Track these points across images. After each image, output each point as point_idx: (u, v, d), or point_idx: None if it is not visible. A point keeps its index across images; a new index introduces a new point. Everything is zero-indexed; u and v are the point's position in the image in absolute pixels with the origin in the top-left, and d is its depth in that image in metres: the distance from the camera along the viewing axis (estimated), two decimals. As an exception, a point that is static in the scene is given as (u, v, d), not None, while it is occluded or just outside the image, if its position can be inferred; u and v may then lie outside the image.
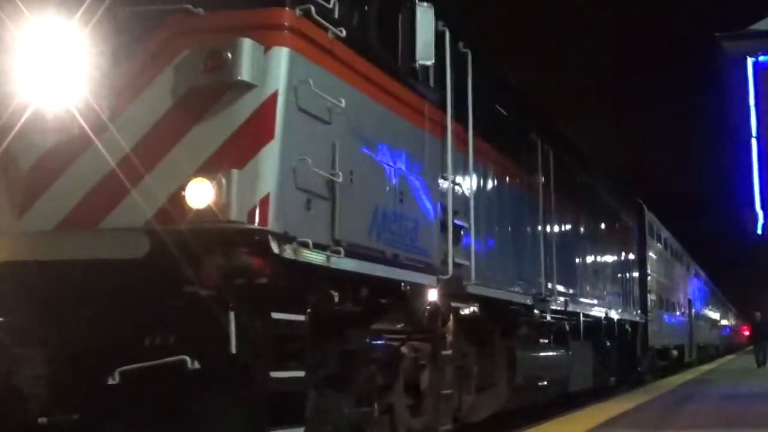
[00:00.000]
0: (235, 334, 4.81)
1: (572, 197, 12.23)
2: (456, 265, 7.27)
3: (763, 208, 13.22)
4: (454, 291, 7.33)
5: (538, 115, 10.97)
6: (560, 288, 11.00)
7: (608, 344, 15.12)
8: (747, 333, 40.99)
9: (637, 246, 19.48)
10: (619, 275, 16.60)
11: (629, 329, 17.10)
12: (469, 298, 7.98)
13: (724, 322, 58.63)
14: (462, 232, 7.60)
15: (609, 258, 15.41)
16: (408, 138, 6.67)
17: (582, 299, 12.72)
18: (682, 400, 12.59)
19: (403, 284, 6.53)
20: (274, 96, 5.05)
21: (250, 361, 4.89)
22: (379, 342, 6.44)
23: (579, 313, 12.52)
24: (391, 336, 7.06)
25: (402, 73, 6.64)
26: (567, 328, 11.73)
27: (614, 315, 15.40)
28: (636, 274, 18.81)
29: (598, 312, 14.05)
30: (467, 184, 7.79)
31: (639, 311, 18.61)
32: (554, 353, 11.10)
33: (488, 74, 8.72)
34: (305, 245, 5.01)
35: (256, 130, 4.99)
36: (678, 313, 27.90)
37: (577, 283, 12.46)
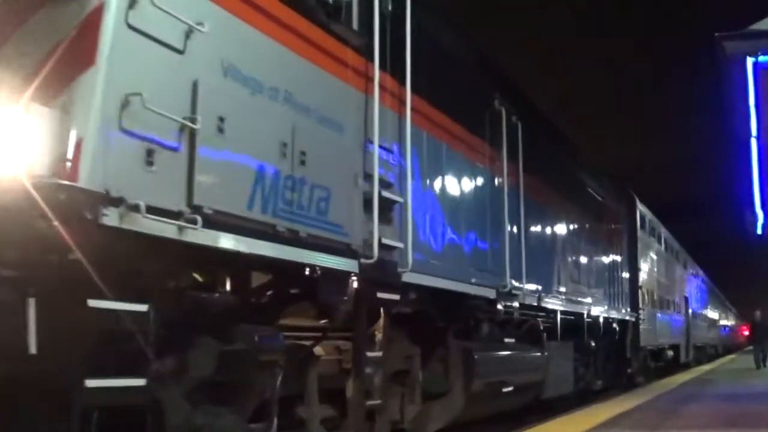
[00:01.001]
0: (36, 328, 3.54)
1: (547, 180, 10.90)
2: (385, 247, 5.97)
3: (763, 208, 12.90)
4: (384, 279, 6.02)
5: (505, 81, 9.62)
6: (532, 281, 9.70)
7: (593, 345, 13.83)
8: (747, 333, 39.75)
9: (627, 239, 18.08)
10: (606, 270, 15.24)
11: (617, 328, 15.77)
12: (409, 289, 6.69)
13: (723, 321, 57.06)
14: (394, 209, 6.31)
15: (593, 251, 14.05)
16: (317, 87, 5.36)
17: (560, 295, 11.40)
18: (682, 400, 12.40)
19: (308, 269, 5.25)
20: (99, 9, 3.77)
21: (58, 365, 3.61)
22: (276, 341, 5.12)
23: (556, 311, 11.21)
24: (300, 334, 5.78)
25: (308, 6, 5.34)
26: (541, 326, 10.41)
27: (599, 313, 14.07)
28: (626, 270, 17.44)
29: (580, 309, 12.73)
30: (404, 152, 6.47)
31: (629, 309, 17.27)
32: (525, 355, 9.80)
33: (434, 24, 7.42)
34: (136, 209, 3.72)
35: (73, 54, 3.71)
36: (673, 312, 26.59)
37: (553, 276, 11.13)
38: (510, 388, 8.79)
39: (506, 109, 9.06)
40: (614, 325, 15.53)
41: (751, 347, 29.36)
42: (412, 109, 6.61)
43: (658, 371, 22.91)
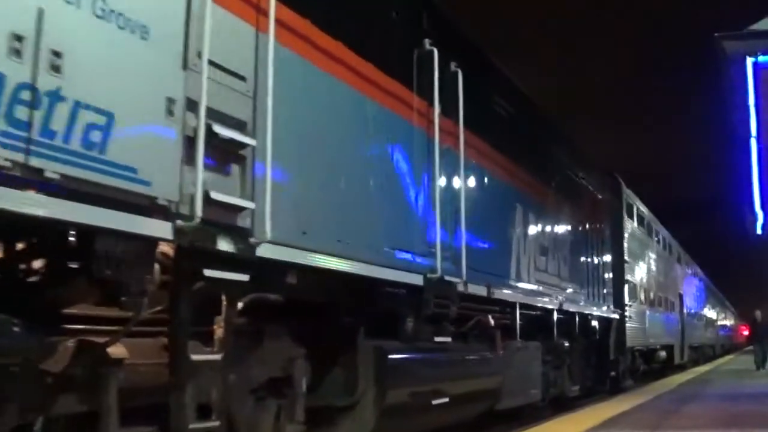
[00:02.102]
0: None
1: (501, 144, 9.07)
2: (219, 206, 4.23)
3: (763, 208, 12.96)
4: (216, 250, 4.25)
5: (447, 24, 7.81)
6: (477, 267, 7.94)
7: (567, 345, 12.06)
8: (746, 333, 38.12)
9: (612, 229, 16.12)
10: (584, 261, 13.47)
11: (597, 327, 13.97)
12: (280, 270, 4.97)
13: (721, 320, 54.69)
14: (244, 156, 4.56)
15: (568, 238, 12.29)
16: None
17: (520, 285, 9.64)
18: (682, 400, 12.29)
19: (73, 230, 3.52)
20: None
21: None
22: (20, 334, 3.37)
23: (515, 304, 9.44)
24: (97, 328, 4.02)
25: None
26: (492, 323, 8.64)
27: (575, 308, 12.29)
28: (609, 262, 15.51)
29: (549, 304, 10.95)
30: (263, 80, 4.70)
31: (612, 306, 15.49)
32: (468, 358, 8.04)
33: None
34: None
35: None
36: (666, 310, 24.80)
37: (509, 263, 9.35)
38: (444, 400, 7.02)
39: (441, 53, 7.28)
40: (594, 323, 13.74)
41: (750, 347, 27.90)
42: (280, 24, 4.86)
43: (649, 374, 21.28)
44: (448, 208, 7.42)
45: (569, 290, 12.15)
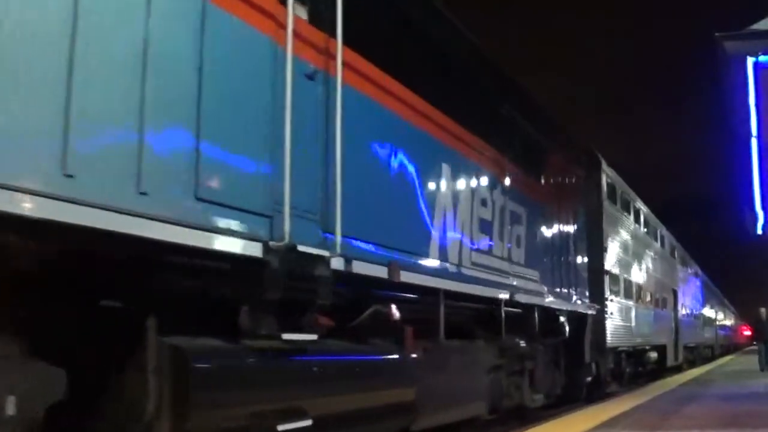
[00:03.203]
0: None
1: (421, 85, 6.89)
2: None
3: (763, 207, 12.90)
4: None
5: None
6: (365, 237, 5.80)
7: (525, 346, 9.90)
8: (747, 333, 36.27)
9: (589, 212, 13.96)
10: (548, 245, 11.17)
11: (567, 324, 11.73)
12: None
13: (720, 319, 52.22)
14: None
15: (524, 215, 9.91)
16: None
17: (447, 267, 7.46)
18: (682, 400, 12.36)
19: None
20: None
21: None
22: None
23: (438, 291, 7.25)
24: None
25: None
26: (397, 315, 6.44)
27: (532, 301, 10.10)
28: (584, 249, 13.32)
29: (495, 293, 8.75)
30: None
31: (588, 300, 13.28)
32: (351, 361, 5.86)
33: None
34: None
35: None
36: (658, 307, 22.59)
37: (428, 237, 7.14)
38: (302, 424, 4.84)
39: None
40: (562, 319, 11.54)
41: (752, 346, 26.16)
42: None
43: (640, 377, 19.25)
44: (314, 149, 5.25)
45: (527, 279, 9.98)
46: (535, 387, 10.37)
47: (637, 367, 18.96)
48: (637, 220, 20.40)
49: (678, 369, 24.72)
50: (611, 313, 15.21)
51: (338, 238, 5.25)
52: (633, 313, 18.00)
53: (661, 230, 25.33)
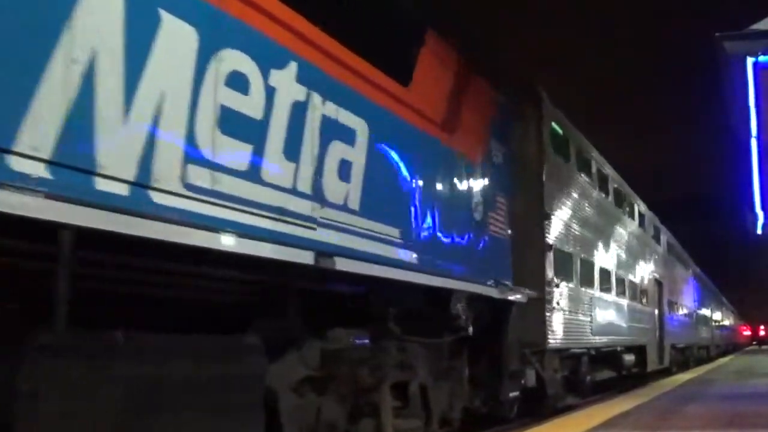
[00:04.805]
0: None
1: None
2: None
3: (763, 208, 12.84)
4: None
5: None
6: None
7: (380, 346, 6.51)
8: (747, 333, 36.33)
9: (518, 162, 10.00)
10: (430, 193, 7.15)
11: (466, 312, 7.70)
12: None
13: (717, 317, 47.21)
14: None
15: (364, 130, 5.91)
16: None
17: (161, 201, 3.77)
18: (682, 400, 12.37)
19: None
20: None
21: None
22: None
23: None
24: None
25: None
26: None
27: (410, 277, 6.43)
28: (509, 213, 9.34)
29: (269, 250, 4.56)
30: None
31: (511, 282, 9.16)
32: None
33: None
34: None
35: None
36: (634, 300, 18.37)
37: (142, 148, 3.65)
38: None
39: None
40: (459, 306, 7.56)
41: (752, 346, 26.15)
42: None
43: (602, 387, 15.05)
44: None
45: (370, 238, 5.89)
46: (410, 410, 6.96)
47: (610, 372, 15.49)
48: (603, 188, 15.97)
49: (667, 372, 21.67)
50: (557, 303, 11.44)
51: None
52: (595, 305, 14.04)
53: (640, 207, 20.56)
